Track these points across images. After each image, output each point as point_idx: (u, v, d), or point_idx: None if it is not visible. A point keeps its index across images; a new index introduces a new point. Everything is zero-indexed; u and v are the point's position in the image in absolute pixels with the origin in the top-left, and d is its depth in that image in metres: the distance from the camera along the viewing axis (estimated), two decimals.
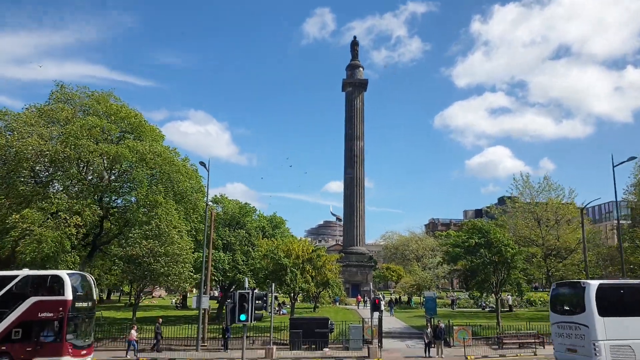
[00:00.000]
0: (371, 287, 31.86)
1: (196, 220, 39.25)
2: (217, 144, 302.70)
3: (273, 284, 28.38)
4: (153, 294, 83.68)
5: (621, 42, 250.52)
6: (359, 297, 55.36)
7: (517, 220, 44.32)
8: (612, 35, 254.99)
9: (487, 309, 54.67)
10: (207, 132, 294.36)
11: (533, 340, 29.28)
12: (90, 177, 36.12)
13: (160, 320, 31.06)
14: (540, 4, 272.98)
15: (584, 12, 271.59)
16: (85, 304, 24.31)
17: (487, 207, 72.64)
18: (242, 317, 17.16)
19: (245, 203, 41.15)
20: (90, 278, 25.43)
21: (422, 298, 57.02)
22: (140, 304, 62.76)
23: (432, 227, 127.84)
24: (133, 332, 28.95)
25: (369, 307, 49.52)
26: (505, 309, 53.57)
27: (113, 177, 37.68)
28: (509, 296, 55.15)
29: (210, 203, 43.09)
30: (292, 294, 33.88)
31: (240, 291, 17.58)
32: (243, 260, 37.57)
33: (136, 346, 28.58)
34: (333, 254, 50.15)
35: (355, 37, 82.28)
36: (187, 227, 37.26)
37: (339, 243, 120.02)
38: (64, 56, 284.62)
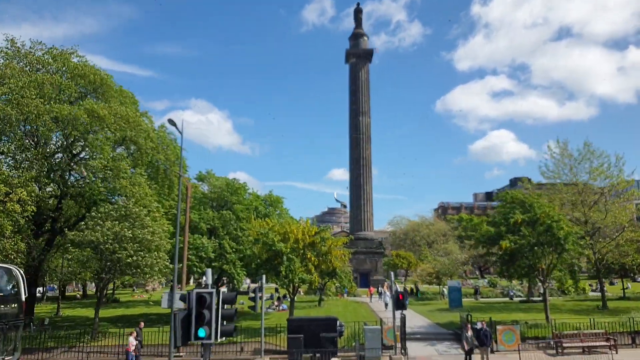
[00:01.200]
0: (392, 277, 24.77)
1: (175, 200, 32.67)
2: (219, 133, 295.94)
3: (264, 276, 21.71)
4: (146, 288, 77.33)
5: (622, 23, 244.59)
6: (372, 288, 48.58)
7: (556, 195, 37.33)
8: (612, 16, 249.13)
9: (516, 299, 48.10)
10: (209, 121, 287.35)
11: (604, 343, 22.55)
12: (44, 147, 29.52)
13: (142, 324, 24.52)
14: None
15: None
16: (6, 308, 17.86)
17: (521, 180, 65.25)
18: (201, 332, 10.50)
19: (234, 179, 34.33)
20: (17, 272, 18.79)
21: (441, 287, 50.45)
22: (124, 300, 56.66)
23: (442, 211, 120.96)
24: (131, 339, 22.27)
25: (382, 300, 43.36)
26: (537, 298, 47.02)
27: (79, 149, 31.20)
28: (540, 283, 48.48)
29: (193, 180, 36.49)
30: (291, 287, 27.16)
31: (199, 290, 10.92)
32: (232, 248, 30.94)
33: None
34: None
35: (358, 4, 74.97)
36: (164, 208, 30.73)
37: (345, 230, 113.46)
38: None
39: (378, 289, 48.45)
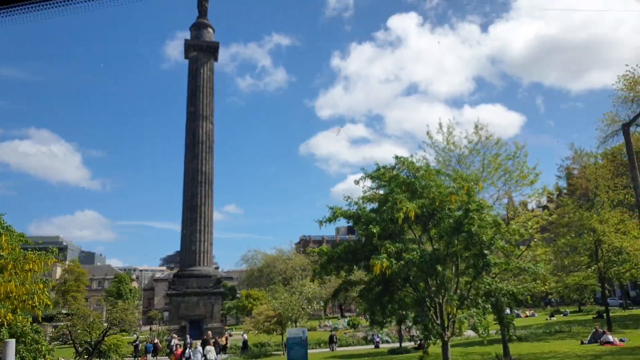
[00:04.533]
0: None
1: None
2: (65, 167, 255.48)
3: None
4: None
5: (458, 85, 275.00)
6: (179, 350, 30.85)
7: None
8: (450, 79, 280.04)
9: (384, 346, 34.89)
10: (53, 154, 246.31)
11: None
12: None
13: None
14: (392, 45, 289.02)
15: (427, 57, 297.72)
16: None
17: None
18: None
19: None
20: None
21: (284, 337, 35.33)
22: None
23: (304, 244, 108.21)
24: None
25: None
26: (409, 344, 34.37)
27: None
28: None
29: None
30: None
31: None
32: None
33: None
34: None
35: None
36: None
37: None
38: None
39: (185, 343, 31.63)
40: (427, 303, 13.71)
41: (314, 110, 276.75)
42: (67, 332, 25.18)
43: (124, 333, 39.10)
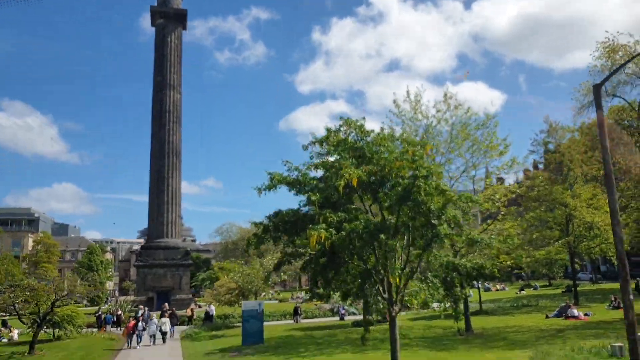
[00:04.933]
0: None
1: None
2: (41, 140, 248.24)
3: None
4: None
5: (440, 61, 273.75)
6: (132, 321, 28.85)
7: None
8: (432, 55, 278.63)
9: (349, 318, 34.29)
10: (28, 126, 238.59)
11: None
12: None
13: None
14: (373, 21, 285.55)
15: (409, 33, 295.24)
16: None
17: None
18: None
19: None
20: None
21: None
22: None
23: None
24: None
25: (147, 334, 26.37)
26: (376, 318, 33.78)
27: None
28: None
29: None
30: None
31: None
32: None
33: None
34: None
35: None
36: None
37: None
38: None
39: (140, 315, 30.47)
40: (374, 277, 12.67)
41: (294, 85, 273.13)
42: (11, 304, 23.93)
43: (79, 305, 37.85)
